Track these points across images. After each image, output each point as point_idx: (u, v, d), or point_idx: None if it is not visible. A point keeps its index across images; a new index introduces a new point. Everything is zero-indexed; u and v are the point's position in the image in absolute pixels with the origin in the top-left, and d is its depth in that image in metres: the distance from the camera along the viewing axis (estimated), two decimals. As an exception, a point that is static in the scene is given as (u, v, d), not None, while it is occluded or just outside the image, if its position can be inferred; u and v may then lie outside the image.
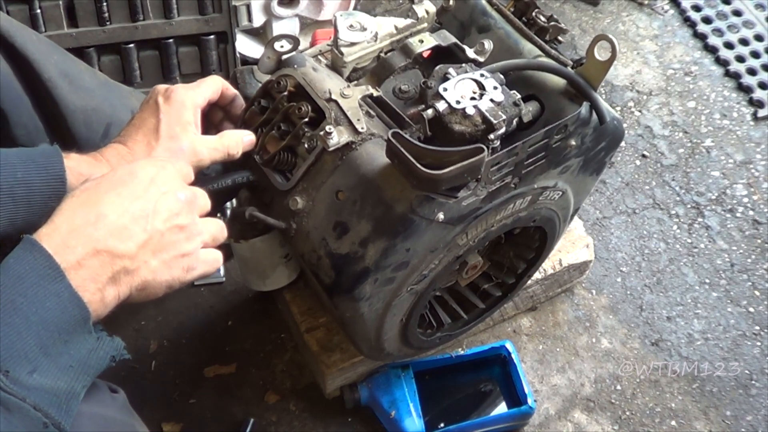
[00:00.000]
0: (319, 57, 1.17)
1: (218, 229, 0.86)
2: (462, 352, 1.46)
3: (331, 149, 1.01)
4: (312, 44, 1.82)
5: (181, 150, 0.96)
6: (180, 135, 0.97)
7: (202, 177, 1.01)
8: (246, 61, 1.81)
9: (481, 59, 1.11)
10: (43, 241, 0.71)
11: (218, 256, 0.86)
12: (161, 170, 0.81)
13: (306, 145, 1.04)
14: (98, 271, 0.73)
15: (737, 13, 2.10)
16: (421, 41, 1.12)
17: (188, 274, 0.82)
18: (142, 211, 0.76)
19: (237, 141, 1.01)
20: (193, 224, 0.81)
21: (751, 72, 1.97)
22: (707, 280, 1.64)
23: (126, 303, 0.78)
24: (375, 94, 1.08)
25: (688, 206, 1.75)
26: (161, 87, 1.00)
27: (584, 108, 1.06)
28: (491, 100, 1.00)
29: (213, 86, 1.04)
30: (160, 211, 0.78)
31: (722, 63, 2.00)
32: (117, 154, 0.96)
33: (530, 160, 1.05)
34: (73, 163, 0.90)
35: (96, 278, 0.73)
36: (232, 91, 1.08)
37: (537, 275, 1.45)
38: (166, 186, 0.80)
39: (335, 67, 1.14)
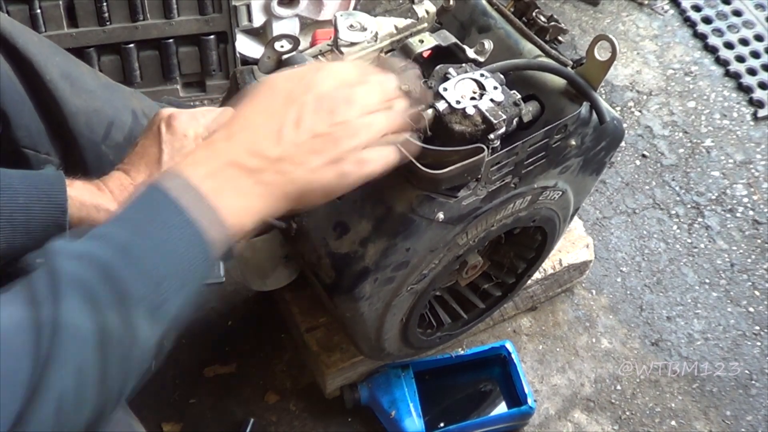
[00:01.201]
0: (319, 57, 1.17)
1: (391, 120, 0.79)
2: (462, 352, 1.46)
3: (331, 149, 1.01)
4: (312, 44, 1.82)
5: None
6: None
7: None
8: (246, 61, 1.81)
9: (481, 59, 1.11)
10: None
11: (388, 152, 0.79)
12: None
13: (306, 145, 1.04)
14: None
15: (737, 13, 2.10)
16: (421, 41, 1.12)
17: (362, 167, 0.76)
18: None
19: None
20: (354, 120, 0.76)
21: (751, 72, 1.97)
22: (707, 280, 1.64)
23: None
24: (375, 93, 1.08)
25: (688, 206, 1.75)
26: (165, 112, 0.97)
27: (584, 108, 1.06)
28: (491, 100, 1.00)
29: (221, 120, 1.00)
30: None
31: (722, 63, 2.00)
32: (120, 184, 0.94)
33: (530, 160, 1.05)
34: (76, 192, 0.89)
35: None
36: None
37: (537, 275, 1.45)
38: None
39: (335, 67, 1.14)
